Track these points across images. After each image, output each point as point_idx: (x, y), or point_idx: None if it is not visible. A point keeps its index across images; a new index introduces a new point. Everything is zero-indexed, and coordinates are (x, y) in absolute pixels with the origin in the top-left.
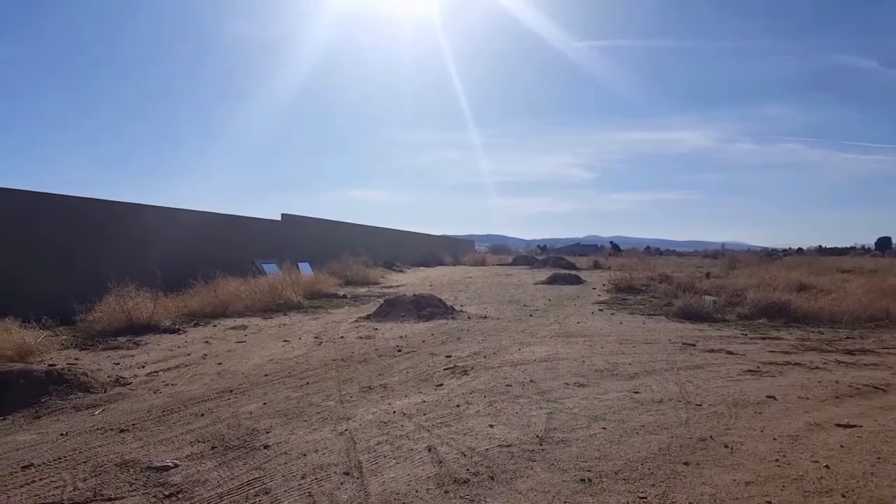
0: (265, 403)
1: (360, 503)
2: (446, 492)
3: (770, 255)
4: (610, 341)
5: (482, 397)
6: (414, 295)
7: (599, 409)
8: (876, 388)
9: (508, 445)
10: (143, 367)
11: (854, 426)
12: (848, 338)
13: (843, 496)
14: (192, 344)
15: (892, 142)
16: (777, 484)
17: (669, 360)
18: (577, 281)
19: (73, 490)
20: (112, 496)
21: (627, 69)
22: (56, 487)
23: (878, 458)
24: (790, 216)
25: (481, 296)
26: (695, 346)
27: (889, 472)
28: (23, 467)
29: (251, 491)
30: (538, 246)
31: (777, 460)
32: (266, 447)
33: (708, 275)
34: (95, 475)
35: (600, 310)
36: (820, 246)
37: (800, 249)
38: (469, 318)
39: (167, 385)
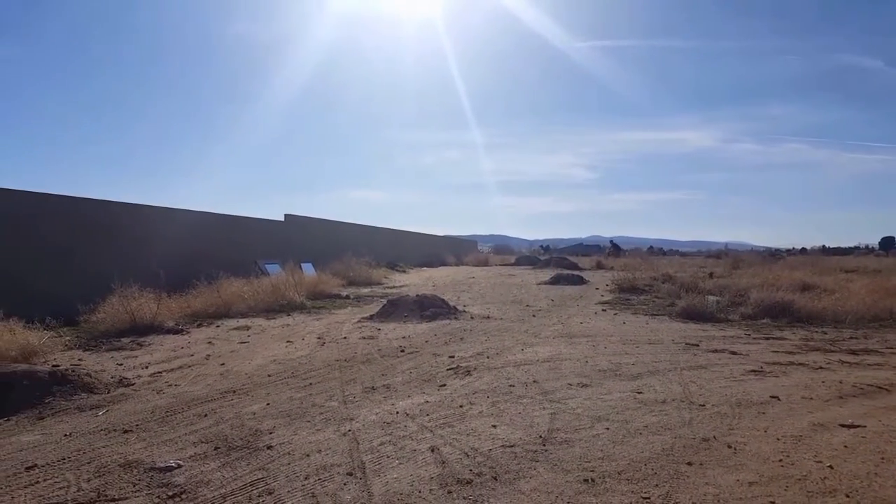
0: (268, 404)
1: (363, 503)
2: (449, 492)
3: (773, 255)
4: (613, 341)
5: (485, 398)
6: (417, 295)
7: (603, 410)
8: (880, 388)
9: (511, 446)
10: (147, 367)
11: (858, 426)
12: (852, 338)
13: (847, 496)
14: (195, 344)
15: None
16: (780, 484)
17: (673, 360)
18: (580, 281)
19: (77, 491)
20: (116, 497)
21: (630, 69)
22: (60, 488)
23: (882, 459)
24: (793, 216)
25: (484, 296)
26: (698, 346)
27: (893, 472)
28: (27, 468)
29: (254, 491)
30: (541, 246)
31: (781, 460)
32: (269, 448)
33: (711, 275)
34: (99, 476)
35: (603, 310)
36: (823, 246)
37: (803, 249)
38: (472, 318)
39: (171, 386)
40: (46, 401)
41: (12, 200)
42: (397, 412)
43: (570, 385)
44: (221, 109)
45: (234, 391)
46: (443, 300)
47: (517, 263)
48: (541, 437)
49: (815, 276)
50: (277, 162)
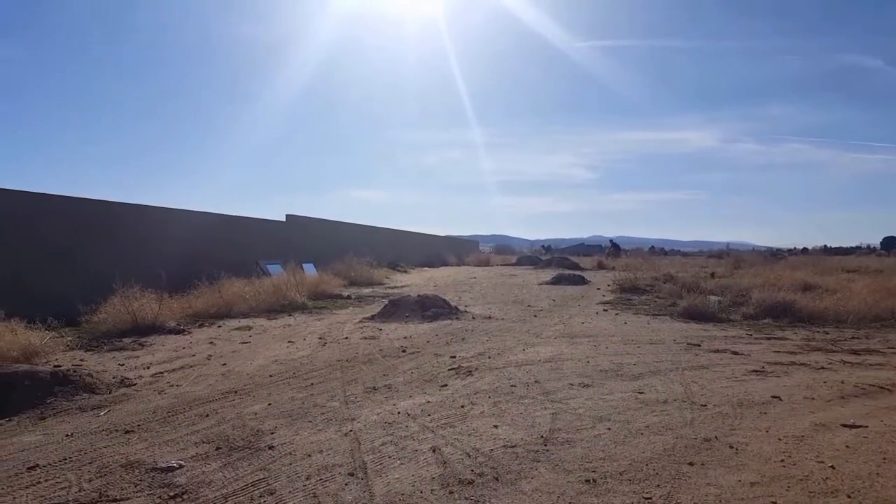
0: (270, 404)
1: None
2: (451, 492)
3: (775, 255)
4: (614, 342)
5: (487, 398)
6: (418, 295)
7: (604, 410)
8: (882, 388)
9: (513, 446)
10: (148, 368)
11: (860, 426)
12: (853, 338)
13: (849, 497)
14: (196, 345)
15: None
16: (782, 484)
17: (674, 360)
18: (582, 281)
19: (79, 491)
20: (117, 497)
21: (631, 69)
22: (62, 488)
23: (884, 459)
24: (795, 216)
25: (485, 296)
26: (700, 346)
27: (895, 473)
28: (28, 468)
29: (256, 492)
30: (542, 246)
31: (782, 461)
32: (271, 448)
33: (713, 275)
34: (101, 476)
35: (605, 310)
36: (825, 245)
37: (805, 249)
38: (473, 318)
39: (172, 386)
40: (48, 401)
41: (14, 201)
42: (399, 412)
43: (572, 385)
44: (223, 110)
45: (236, 391)
46: (444, 300)
47: (518, 263)
48: (542, 437)
49: (817, 276)
50: (279, 162)
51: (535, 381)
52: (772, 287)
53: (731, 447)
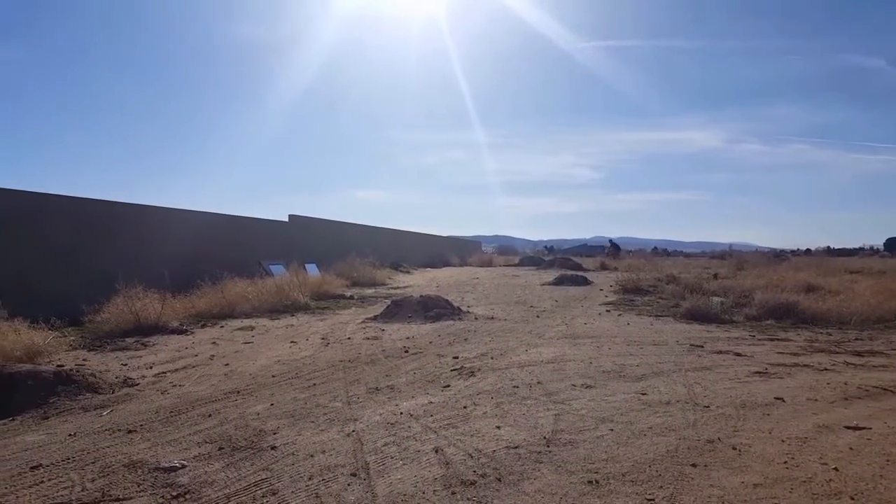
0: (272, 404)
1: None
2: (453, 493)
3: (778, 256)
4: (617, 342)
5: (489, 398)
6: (421, 296)
7: (607, 411)
8: (885, 389)
9: (515, 447)
10: (151, 367)
11: (863, 428)
12: (857, 339)
13: (852, 499)
14: (199, 345)
15: None
16: (785, 486)
17: (677, 361)
18: (584, 282)
19: (82, 490)
20: (120, 497)
21: (634, 69)
22: (64, 488)
23: (888, 461)
24: (798, 217)
25: (488, 297)
26: (702, 347)
27: None
28: (31, 468)
29: (259, 492)
30: (545, 247)
31: (785, 462)
32: (273, 448)
33: (716, 276)
34: (104, 476)
35: (607, 311)
36: (828, 247)
37: (808, 250)
38: (476, 319)
39: (175, 386)
40: (51, 401)
41: (17, 200)
42: (401, 413)
43: (575, 386)
44: (225, 110)
45: (239, 391)
46: (447, 301)
47: (521, 264)
48: (545, 438)
49: (820, 277)
50: (281, 162)
51: (538, 382)
52: (775, 288)
53: (734, 448)
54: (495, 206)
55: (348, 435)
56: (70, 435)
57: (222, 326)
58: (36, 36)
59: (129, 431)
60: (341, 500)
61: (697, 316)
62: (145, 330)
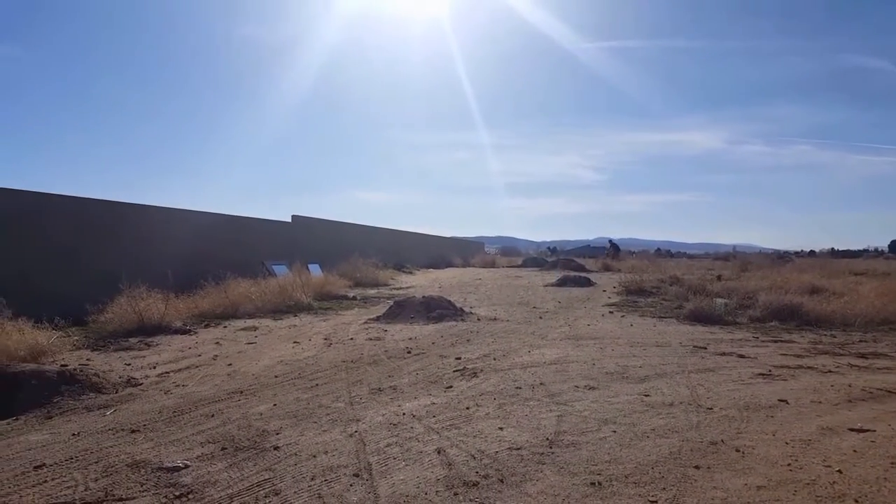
0: (275, 405)
1: None
2: (455, 494)
3: (782, 258)
4: (620, 344)
5: (492, 399)
6: (423, 297)
7: (610, 412)
8: (890, 391)
9: (518, 448)
10: (155, 367)
11: (867, 430)
12: (861, 341)
13: (856, 501)
14: (202, 345)
15: None
16: (789, 488)
17: (680, 363)
18: (587, 283)
19: (85, 490)
20: (123, 496)
21: (637, 70)
22: (68, 487)
23: (892, 463)
24: (802, 218)
25: (491, 298)
26: (706, 349)
27: None
28: (35, 467)
29: (261, 492)
30: (548, 248)
31: (789, 465)
32: (276, 448)
33: (719, 277)
34: (107, 475)
35: (610, 312)
36: (832, 248)
37: (812, 252)
38: (479, 319)
39: (178, 386)
40: (55, 400)
41: (19, 200)
42: (404, 413)
43: (577, 387)
44: (228, 111)
45: (242, 392)
46: (449, 301)
47: (524, 265)
48: (547, 439)
49: (824, 279)
50: (284, 163)
51: (541, 383)
52: (779, 290)
53: (738, 451)
54: (498, 207)
55: (351, 435)
56: (73, 434)
57: (225, 326)
58: (37, 36)
59: (133, 431)
60: (344, 501)
61: (701, 317)
62: (149, 330)
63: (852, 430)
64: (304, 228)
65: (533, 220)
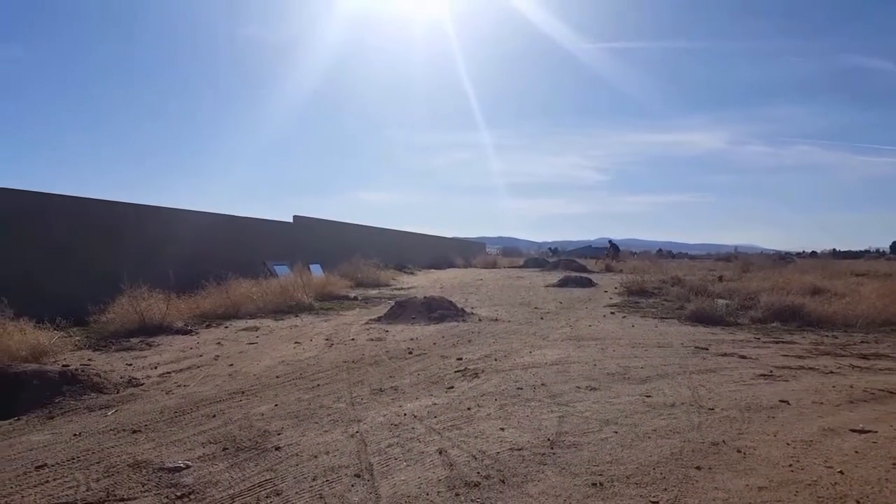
0: (276, 405)
1: None
2: (457, 495)
3: (783, 259)
4: (622, 345)
5: (493, 400)
6: (425, 297)
7: (611, 413)
8: (891, 392)
9: (519, 449)
10: (156, 368)
11: (869, 431)
12: (862, 342)
13: (858, 502)
14: (204, 345)
15: None
16: (790, 489)
17: (682, 363)
18: (589, 284)
19: (87, 490)
20: (125, 496)
21: (639, 70)
22: (69, 487)
23: (894, 464)
24: (803, 218)
25: (492, 298)
26: (707, 349)
27: None
28: (37, 467)
29: (263, 492)
30: (549, 248)
31: (790, 465)
32: (277, 449)
33: (721, 278)
34: (108, 475)
35: (612, 313)
36: (834, 249)
37: (813, 253)
38: (480, 320)
39: (179, 386)
40: (56, 400)
41: (21, 201)
42: (405, 414)
43: (579, 388)
44: (230, 111)
45: (243, 392)
46: (451, 302)
47: (525, 266)
48: (549, 440)
49: (826, 279)
50: (286, 163)
51: (542, 384)
52: (780, 291)
53: (739, 451)
54: (500, 208)
55: (352, 436)
56: (75, 435)
57: (227, 327)
58: (38, 36)
59: (134, 431)
60: (345, 501)
61: (702, 318)
62: (150, 330)
63: (854, 430)
64: (305, 229)
65: (534, 221)
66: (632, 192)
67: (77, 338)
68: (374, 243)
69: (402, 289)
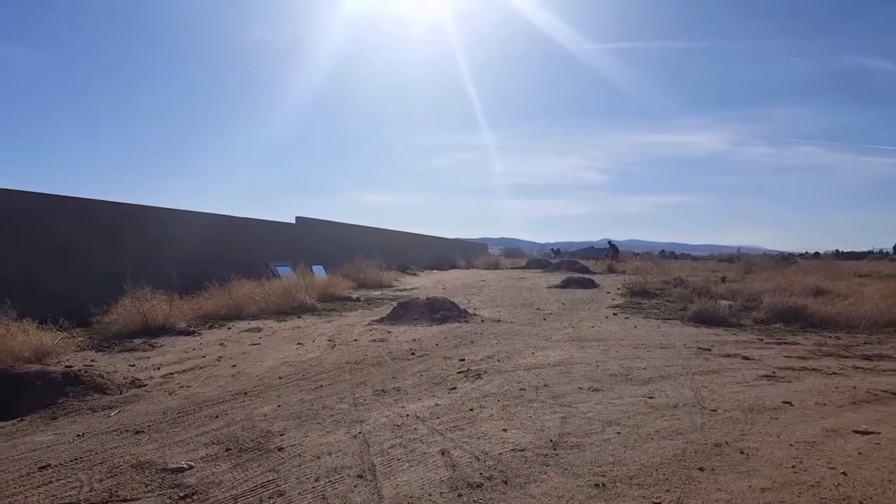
0: (279, 406)
1: None
2: (459, 496)
3: (786, 259)
4: (624, 346)
5: (496, 401)
6: (427, 298)
7: (614, 414)
8: (894, 394)
9: (522, 450)
10: (159, 368)
11: (872, 433)
12: (866, 343)
13: (861, 503)
14: (206, 346)
15: None
16: (793, 490)
17: (684, 364)
18: (591, 285)
19: (90, 491)
20: (128, 497)
21: (641, 71)
22: (73, 488)
23: None
24: (806, 219)
25: (494, 299)
26: (710, 350)
27: None
28: (40, 468)
29: (265, 493)
30: (552, 249)
31: (793, 467)
32: (280, 449)
33: (723, 279)
34: (111, 476)
35: (614, 314)
36: (837, 250)
37: (816, 253)
38: (482, 321)
39: (182, 387)
40: (59, 401)
41: (24, 201)
42: (407, 415)
43: (581, 389)
44: (233, 112)
45: (246, 393)
46: (453, 303)
47: (528, 267)
48: (551, 441)
49: (829, 280)
50: (289, 164)
51: (545, 385)
52: (783, 292)
53: (742, 452)
54: (502, 209)
55: (355, 437)
56: (78, 435)
57: (230, 328)
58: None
59: (137, 432)
60: (348, 502)
61: (705, 319)
62: (153, 331)
63: (857, 432)
64: (308, 230)
65: (536, 222)
66: (634, 193)
67: (80, 339)
68: (376, 244)
69: (404, 290)
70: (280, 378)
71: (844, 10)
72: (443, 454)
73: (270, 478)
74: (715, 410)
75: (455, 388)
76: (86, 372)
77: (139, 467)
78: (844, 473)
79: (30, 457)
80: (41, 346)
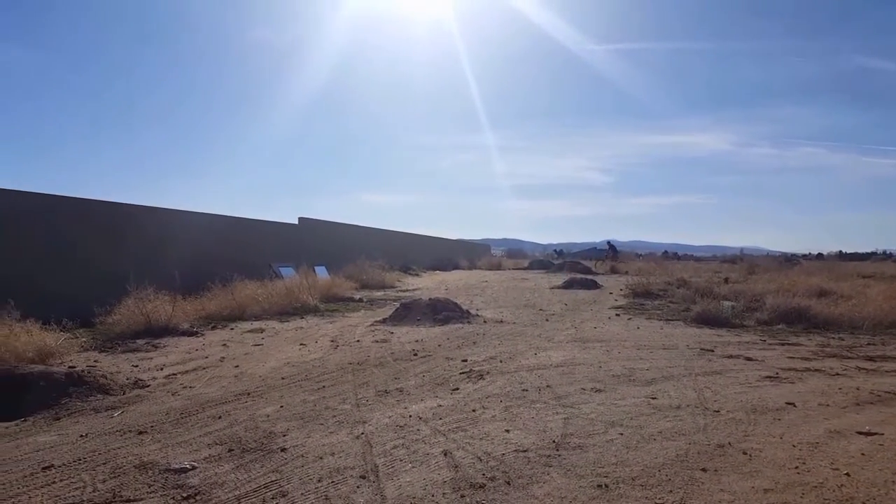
0: (282, 406)
1: None
2: (462, 496)
3: (789, 260)
4: (627, 346)
5: (498, 402)
6: (430, 299)
7: (616, 415)
8: None
9: (525, 450)
10: (162, 369)
11: (875, 434)
12: (869, 344)
13: None
14: (209, 347)
15: None
16: (796, 491)
17: (687, 365)
18: (594, 285)
19: (93, 491)
20: (131, 497)
21: (643, 72)
22: (76, 488)
23: None
24: (808, 220)
25: (497, 300)
26: (713, 351)
27: None
28: (43, 468)
29: (268, 494)
30: (554, 250)
31: (796, 467)
32: (283, 450)
33: (726, 280)
34: (115, 476)
35: (617, 315)
36: (840, 251)
37: (819, 254)
38: (485, 322)
39: (185, 387)
40: (63, 402)
41: (28, 202)
42: (410, 416)
43: (584, 390)
44: (236, 113)
45: (248, 393)
46: (456, 304)
47: (530, 267)
48: (554, 441)
49: (832, 281)
50: (291, 165)
51: (547, 386)
52: (786, 293)
53: (745, 453)
54: (504, 209)
55: (357, 437)
56: (81, 436)
57: (232, 328)
58: (44, 39)
59: (140, 433)
60: (350, 503)
61: (708, 320)
62: (156, 332)
63: (860, 433)
64: (310, 230)
65: (539, 223)
66: (636, 194)
67: (83, 339)
68: (378, 245)
69: (406, 290)
70: (283, 379)
71: (846, 11)
72: (445, 455)
73: (273, 478)
74: (718, 411)
75: (458, 389)
76: (89, 372)
77: (142, 468)
78: (847, 474)
79: (33, 457)
80: (44, 346)
